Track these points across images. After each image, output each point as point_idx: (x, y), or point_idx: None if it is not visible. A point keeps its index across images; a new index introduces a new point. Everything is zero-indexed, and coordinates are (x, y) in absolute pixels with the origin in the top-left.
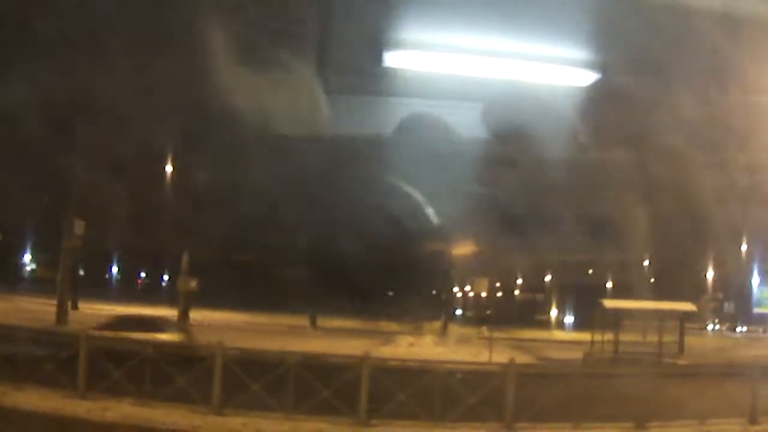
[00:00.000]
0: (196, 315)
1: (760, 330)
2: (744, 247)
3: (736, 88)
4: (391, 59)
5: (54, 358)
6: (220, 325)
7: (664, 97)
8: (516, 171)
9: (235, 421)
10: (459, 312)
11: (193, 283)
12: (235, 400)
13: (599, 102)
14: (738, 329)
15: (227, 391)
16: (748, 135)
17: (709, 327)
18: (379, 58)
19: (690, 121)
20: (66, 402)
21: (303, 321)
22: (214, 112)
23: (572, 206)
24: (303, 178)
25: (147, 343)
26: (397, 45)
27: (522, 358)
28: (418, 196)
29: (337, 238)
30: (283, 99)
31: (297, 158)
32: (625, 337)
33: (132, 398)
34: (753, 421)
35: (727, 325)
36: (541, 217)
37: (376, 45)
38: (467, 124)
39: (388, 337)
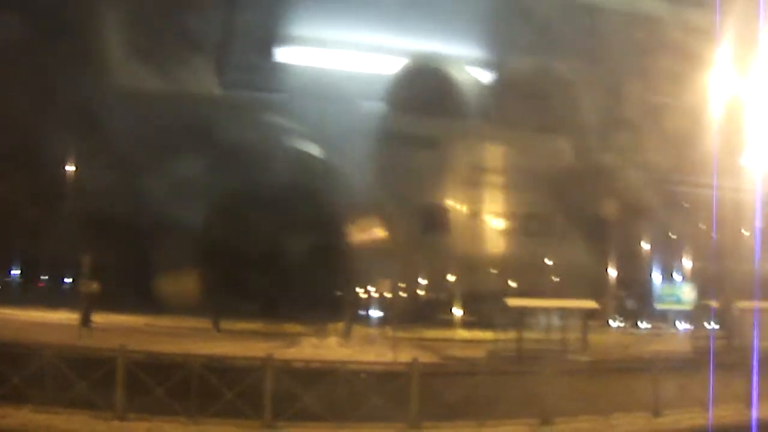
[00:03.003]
0: (98, 318)
1: (662, 326)
2: (646, 246)
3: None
4: (282, 55)
5: None
6: (123, 327)
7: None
8: (411, 168)
9: (139, 426)
10: (363, 313)
11: (95, 286)
12: (138, 404)
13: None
14: (640, 325)
15: (130, 396)
16: (651, 134)
17: (612, 324)
18: (270, 55)
19: (597, 123)
20: None
21: (206, 323)
22: (109, 106)
23: (478, 203)
24: (198, 173)
25: (46, 346)
26: (289, 41)
27: (426, 358)
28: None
29: (237, 236)
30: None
31: (192, 150)
32: (529, 335)
33: (32, 405)
34: (656, 413)
35: (629, 321)
36: (443, 214)
37: (268, 42)
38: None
39: (292, 339)
